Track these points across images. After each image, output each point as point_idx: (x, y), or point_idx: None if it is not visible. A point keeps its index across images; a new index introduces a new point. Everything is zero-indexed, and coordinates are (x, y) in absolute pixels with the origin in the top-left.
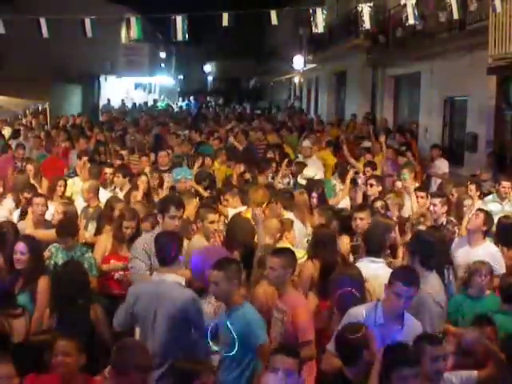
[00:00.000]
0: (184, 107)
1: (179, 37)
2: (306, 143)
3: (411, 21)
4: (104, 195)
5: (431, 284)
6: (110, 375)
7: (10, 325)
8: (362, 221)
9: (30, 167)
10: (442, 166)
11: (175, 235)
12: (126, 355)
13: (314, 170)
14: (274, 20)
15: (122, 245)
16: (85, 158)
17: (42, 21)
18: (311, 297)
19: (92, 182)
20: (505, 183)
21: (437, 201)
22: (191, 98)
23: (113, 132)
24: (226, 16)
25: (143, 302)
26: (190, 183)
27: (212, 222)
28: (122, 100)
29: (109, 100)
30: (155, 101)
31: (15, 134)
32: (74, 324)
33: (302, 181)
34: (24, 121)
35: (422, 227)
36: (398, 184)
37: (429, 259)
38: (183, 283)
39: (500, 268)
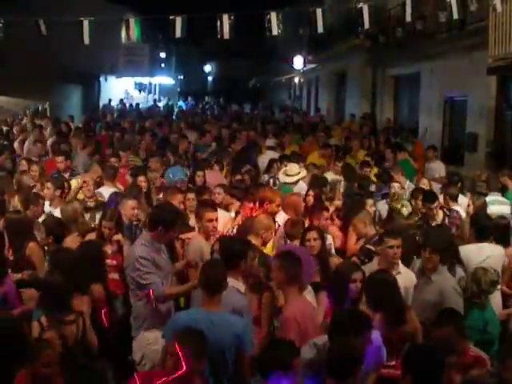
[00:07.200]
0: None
1: (178, 34)
2: (270, 142)
3: (408, 18)
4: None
5: (449, 276)
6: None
7: (59, 331)
8: None
9: (34, 168)
10: (439, 168)
11: None
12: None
13: (297, 167)
14: (275, 30)
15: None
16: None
17: (41, 22)
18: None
19: (92, 176)
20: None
21: (433, 206)
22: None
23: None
24: (226, 17)
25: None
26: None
27: (210, 221)
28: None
29: (110, 100)
30: (155, 100)
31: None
32: None
33: (283, 177)
34: (24, 121)
35: None
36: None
37: (445, 254)
38: (242, 290)
39: None
